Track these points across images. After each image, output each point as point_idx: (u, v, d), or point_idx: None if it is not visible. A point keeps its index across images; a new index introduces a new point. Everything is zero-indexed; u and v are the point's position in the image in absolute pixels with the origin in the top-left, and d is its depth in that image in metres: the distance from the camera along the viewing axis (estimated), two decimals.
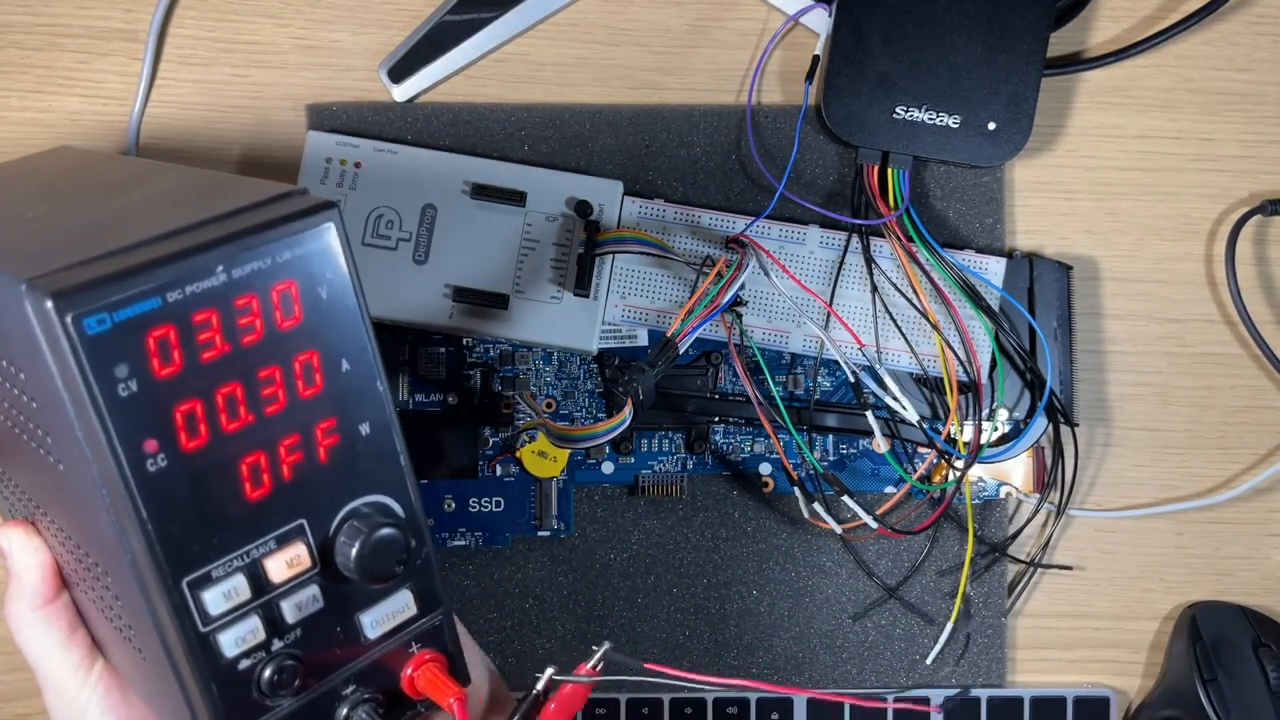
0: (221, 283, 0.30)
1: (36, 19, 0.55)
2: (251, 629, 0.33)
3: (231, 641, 0.33)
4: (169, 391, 0.30)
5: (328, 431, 0.33)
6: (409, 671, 0.37)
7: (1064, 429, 0.56)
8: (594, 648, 0.38)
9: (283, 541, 0.33)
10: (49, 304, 0.28)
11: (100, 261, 0.29)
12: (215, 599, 0.32)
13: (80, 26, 0.56)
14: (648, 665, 0.36)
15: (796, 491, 0.55)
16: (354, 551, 0.34)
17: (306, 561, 0.34)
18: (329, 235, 0.32)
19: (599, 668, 0.37)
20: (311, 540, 0.34)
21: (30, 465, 0.36)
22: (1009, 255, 0.57)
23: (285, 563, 0.33)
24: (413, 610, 0.37)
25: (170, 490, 0.31)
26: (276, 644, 0.34)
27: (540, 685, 0.37)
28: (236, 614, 0.33)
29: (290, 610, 0.34)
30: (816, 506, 0.55)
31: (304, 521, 0.34)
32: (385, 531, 0.34)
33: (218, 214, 0.32)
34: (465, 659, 0.39)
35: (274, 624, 0.34)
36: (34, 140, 0.55)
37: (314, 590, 0.34)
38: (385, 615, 0.36)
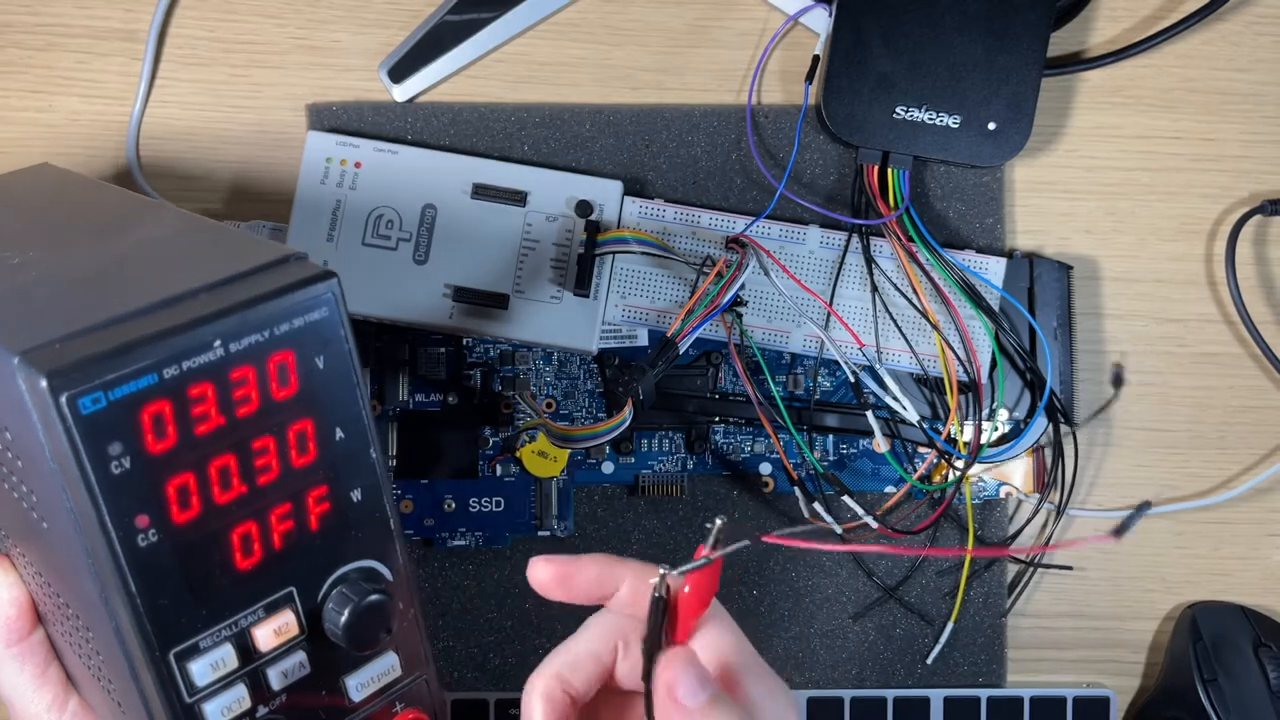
0: (219, 356, 0.29)
1: (37, 19, 0.55)
2: (238, 697, 0.33)
3: (217, 710, 0.32)
4: (162, 467, 0.29)
5: (319, 499, 0.33)
6: None
7: (1064, 429, 0.56)
8: (707, 525, 0.34)
9: (271, 610, 0.33)
10: (43, 383, 0.27)
11: (95, 334, 0.28)
12: (202, 670, 0.32)
13: (80, 26, 0.56)
14: (764, 537, 0.33)
15: (797, 491, 0.55)
16: (343, 619, 0.33)
17: (295, 629, 0.33)
18: (328, 305, 0.31)
19: (715, 547, 0.34)
20: (300, 607, 0.33)
21: (8, 507, 0.34)
22: (1009, 255, 0.57)
23: (274, 631, 0.33)
24: (397, 672, 0.36)
25: (160, 564, 0.30)
26: (262, 710, 0.33)
27: (660, 590, 0.34)
28: (223, 683, 0.32)
29: (277, 677, 0.33)
30: (817, 506, 0.55)
31: (293, 589, 0.33)
32: (374, 599, 0.34)
33: (214, 280, 0.31)
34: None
35: (260, 691, 0.33)
36: (33, 140, 0.55)
37: (301, 656, 0.34)
38: (371, 677, 0.36)
